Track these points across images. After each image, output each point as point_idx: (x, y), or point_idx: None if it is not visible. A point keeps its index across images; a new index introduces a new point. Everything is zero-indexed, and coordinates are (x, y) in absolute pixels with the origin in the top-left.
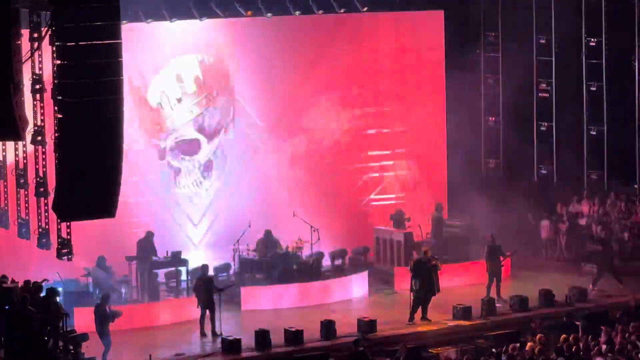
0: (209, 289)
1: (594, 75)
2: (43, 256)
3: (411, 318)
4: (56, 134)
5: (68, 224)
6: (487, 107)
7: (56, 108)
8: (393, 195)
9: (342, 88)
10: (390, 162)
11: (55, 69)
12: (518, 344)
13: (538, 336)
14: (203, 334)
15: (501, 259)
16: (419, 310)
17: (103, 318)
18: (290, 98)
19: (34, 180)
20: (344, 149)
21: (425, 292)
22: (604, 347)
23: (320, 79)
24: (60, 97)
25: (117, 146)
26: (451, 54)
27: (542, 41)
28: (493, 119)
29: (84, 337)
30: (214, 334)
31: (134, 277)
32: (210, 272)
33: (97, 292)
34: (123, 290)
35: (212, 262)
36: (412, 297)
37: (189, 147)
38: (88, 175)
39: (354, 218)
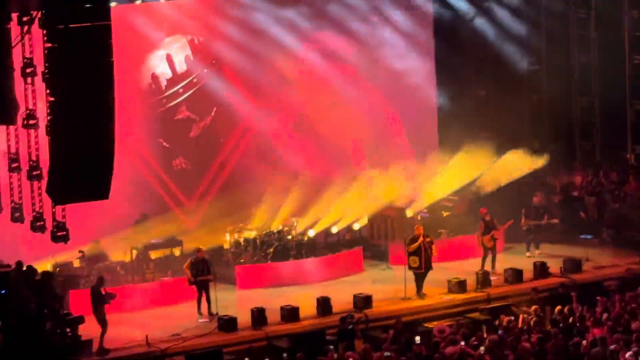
0: (202, 270)
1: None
2: (38, 239)
3: (419, 293)
4: (48, 117)
5: (63, 207)
6: (478, 80)
7: (48, 91)
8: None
9: (335, 63)
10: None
11: (46, 52)
12: (512, 317)
13: (533, 307)
14: (200, 314)
15: (494, 233)
16: (413, 285)
17: (99, 300)
18: (284, 76)
19: (27, 164)
20: (338, 127)
21: (422, 267)
22: (603, 316)
23: (315, 55)
24: (51, 80)
25: (109, 128)
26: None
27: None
28: (485, 92)
29: (80, 319)
30: (210, 313)
31: (129, 259)
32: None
33: (92, 275)
34: (119, 272)
35: (208, 243)
36: (413, 274)
37: (181, 127)
38: (81, 157)
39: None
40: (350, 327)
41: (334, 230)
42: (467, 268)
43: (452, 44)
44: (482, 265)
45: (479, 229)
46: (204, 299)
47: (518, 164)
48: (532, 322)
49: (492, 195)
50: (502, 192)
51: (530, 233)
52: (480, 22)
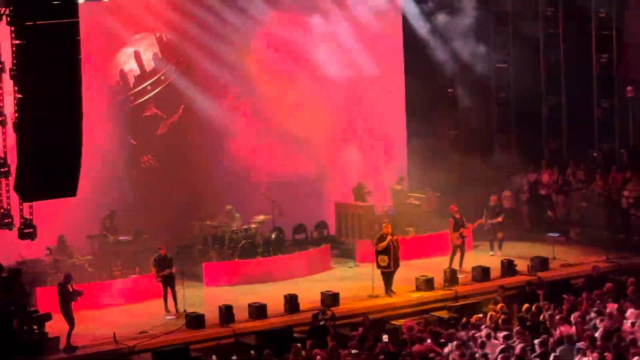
0: (165, 267)
1: (552, 46)
2: (5, 236)
3: (387, 291)
4: (16, 114)
5: (30, 204)
6: (447, 78)
7: (15, 88)
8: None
9: (301, 61)
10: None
11: (13, 48)
12: (481, 315)
13: (499, 305)
14: (167, 311)
15: (463, 230)
16: (381, 282)
17: (66, 297)
18: (251, 73)
19: None
20: (304, 124)
21: (390, 265)
22: (572, 314)
23: (280, 52)
24: (19, 77)
25: (77, 125)
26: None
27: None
28: (452, 89)
29: (47, 316)
30: (177, 310)
31: (96, 256)
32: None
33: (59, 271)
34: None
35: (175, 240)
36: (381, 272)
37: (149, 124)
38: (49, 154)
39: (316, 192)
40: (322, 323)
41: (301, 227)
42: (435, 266)
43: (417, 40)
44: (450, 263)
45: (449, 226)
46: (170, 296)
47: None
48: (500, 321)
49: (461, 192)
50: (470, 189)
51: (491, 232)
52: (446, 20)
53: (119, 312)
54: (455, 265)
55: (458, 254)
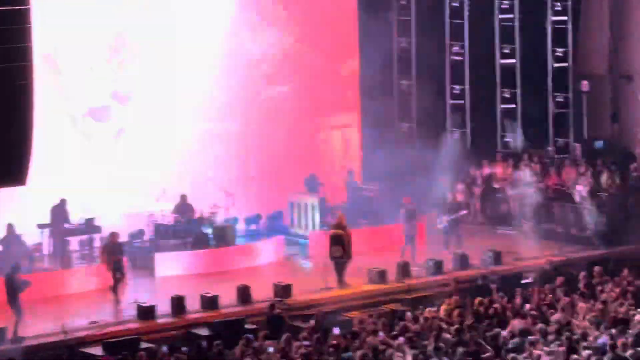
0: (117, 254)
1: (507, 38)
2: None
3: (340, 282)
4: None
5: None
6: (401, 69)
7: None
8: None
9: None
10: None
11: None
12: (435, 308)
13: (453, 298)
14: (117, 301)
15: (415, 223)
16: (333, 274)
17: (13, 288)
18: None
19: None
20: (259, 114)
21: (343, 257)
22: (525, 307)
23: (235, 39)
24: None
25: (28, 114)
26: (363, 16)
27: (455, 4)
28: (407, 82)
29: None
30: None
31: (45, 245)
32: (125, 239)
33: (7, 262)
34: (34, 259)
35: (127, 229)
36: (334, 263)
37: (101, 113)
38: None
39: (268, 183)
40: (279, 312)
41: (255, 218)
42: (388, 258)
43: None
44: (402, 254)
45: (402, 217)
46: (119, 285)
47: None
48: (455, 314)
49: (412, 184)
50: (422, 182)
51: (450, 230)
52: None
53: (69, 302)
54: (408, 258)
55: (410, 246)
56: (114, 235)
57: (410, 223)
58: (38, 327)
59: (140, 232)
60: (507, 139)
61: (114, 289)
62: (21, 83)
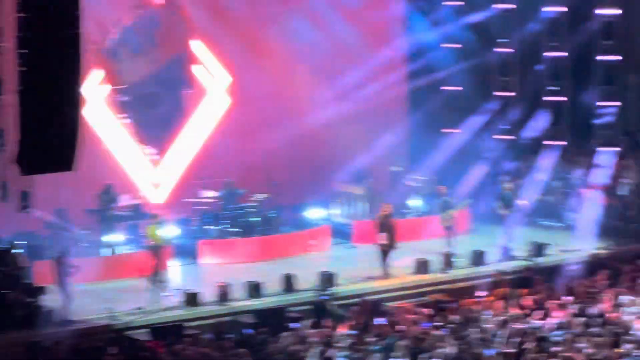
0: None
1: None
2: (2, 209)
3: (385, 272)
4: (18, 88)
5: (29, 177)
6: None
7: (18, 61)
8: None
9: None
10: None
11: (17, 21)
12: (477, 299)
13: (497, 289)
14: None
15: (452, 212)
16: (378, 264)
17: (63, 271)
18: (255, 50)
19: None
20: (306, 101)
21: (388, 246)
22: (568, 299)
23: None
24: (21, 50)
25: (76, 99)
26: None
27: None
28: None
29: (43, 289)
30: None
31: (94, 229)
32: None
33: (56, 245)
34: (83, 242)
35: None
36: (379, 252)
37: (149, 100)
38: (48, 128)
39: (314, 172)
40: (324, 298)
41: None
42: (433, 248)
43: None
44: (445, 245)
45: (438, 207)
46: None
47: None
48: (496, 304)
49: (458, 176)
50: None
51: (506, 221)
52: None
53: (116, 287)
54: (447, 247)
55: (450, 235)
56: (156, 216)
57: (445, 212)
58: (86, 310)
59: (187, 219)
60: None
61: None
62: (71, 69)
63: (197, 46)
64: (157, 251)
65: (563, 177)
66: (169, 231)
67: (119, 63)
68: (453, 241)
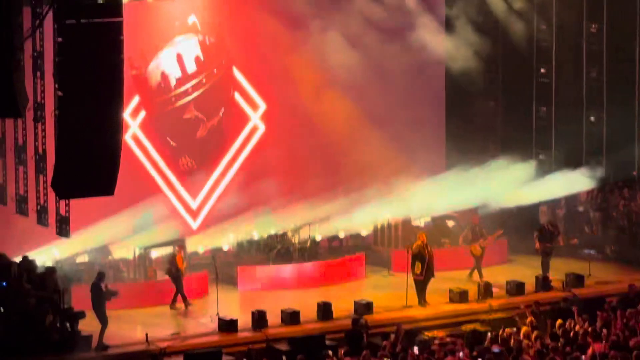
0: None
1: (594, 61)
2: (40, 233)
3: (421, 301)
4: (56, 112)
5: (67, 201)
6: (487, 90)
7: (56, 85)
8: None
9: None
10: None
11: (56, 46)
12: (515, 329)
13: (528, 319)
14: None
15: (482, 241)
16: (414, 293)
17: (99, 296)
18: (292, 78)
19: (34, 157)
20: (342, 133)
21: (425, 276)
22: (606, 331)
23: (323, 59)
24: (61, 75)
25: (116, 124)
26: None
27: (543, 26)
28: (493, 102)
29: (81, 314)
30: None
31: (132, 256)
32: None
33: (94, 270)
34: (119, 269)
35: (208, 242)
36: (414, 281)
37: (188, 126)
38: (87, 153)
39: (352, 200)
40: (361, 328)
41: (341, 235)
42: (469, 278)
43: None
44: (471, 273)
45: (467, 237)
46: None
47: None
48: (533, 336)
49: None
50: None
51: (547, 255)
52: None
53: (152, 313)
54: (475, 276)
55: (477, 265)
56: (179, 247)
57: (476, 242)
58: (122, 336)
59: (223, 246)
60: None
61: (178, 298)
62: (111, 94)
63: (234, 73)
64: (178, 279)
65: (603, 207)
66: (202, 257)
67: (158, 88)
68: (478, 269)
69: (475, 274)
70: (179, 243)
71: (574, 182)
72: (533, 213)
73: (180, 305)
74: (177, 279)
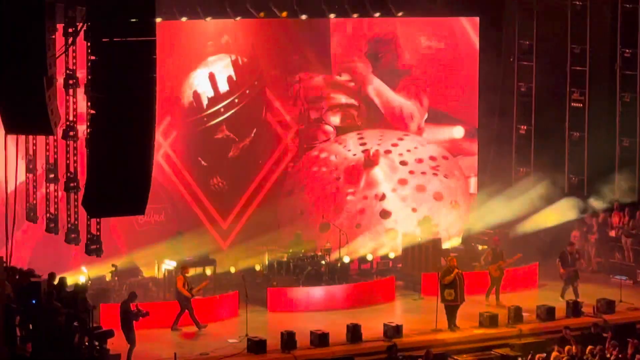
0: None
1: (628, 86)
2: (70, 251)
3: (451, 325)
4: (88, 130)
5: (98, 219)
6: (520, 115)
7: (89, 104)
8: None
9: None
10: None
11: (89, 64)
12: (544, 354)
13: (567, 347)
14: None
15: (501, 263)
16: (444, 316)
17: (128, 315)
18: (321, 98)
19: (64, 175)
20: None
21: (455, 300)
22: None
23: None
24: (93, 93)
25: (148, 143)
26: (485, 60)
27: (577, 51)
28: (525, 127)
29: (110, 333)
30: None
31: (161, 275)
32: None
33: (124, 289)
34: (148, 289)
35: (239, 263)
36: (445, 306)
37: (220, 146)
38: (118, 171)
39: (381, 223)
40: (394, 356)
41: (369, 257)
42: (500, 302)
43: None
44: (487, 295)
45: (487, 258)
46: (187, 315)
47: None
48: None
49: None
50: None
51: (570, 280)
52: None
53: (181, 332)
54: (492, 299)
55: (495, 287)
56: (185, 267)
57: (495, 263)
58: (150, 355)
59: (253, 268)
60: (623, 188)
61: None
62: (143, 113)
63: (266, 93)
64: (184, 302)
65: (634, 233)
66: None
67: (190, 108)
68: (496, 292)
69: (492, 297)
70: (183, 264)
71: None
72: (564, 238)
73: (181, 327)
74: (180, 301)
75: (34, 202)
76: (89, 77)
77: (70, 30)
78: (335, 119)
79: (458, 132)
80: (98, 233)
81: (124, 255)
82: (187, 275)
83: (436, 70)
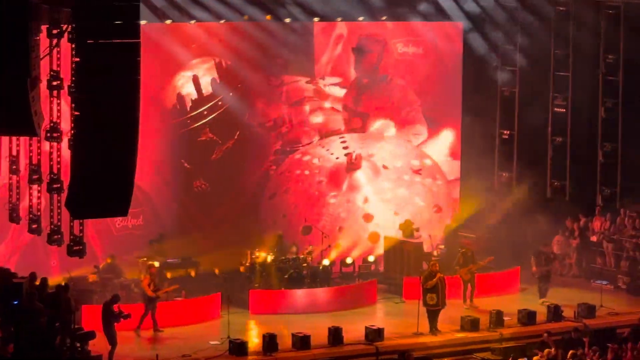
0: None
1: (610, 92)
2: (52, 252)
3: (432, 329)
4: (72, 131)
5: (81, 221)
6: (502, 120)
7: (73, 105)
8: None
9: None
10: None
11: (73, 66)
12: (525, 358)
13: (546, 351)
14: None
15: (472, 266)
16: (426, 320)
17: (110, 317)
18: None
19: (48, 176)
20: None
21: (436, 304)
22: None
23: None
24: (77, 95)
25: (131, 145)
26: (468, 65)
27: (560, 56)
28: (508, 132)
29: (92, 335)
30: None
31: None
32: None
33: (105, 290)
34: (131, 291)
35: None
36: (427, 310)
37: (203, 149)
38: (102, 173)
39: (363, 226)
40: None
41: (349, 260)
42: (481, 306)
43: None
44: (464, 298)
45: (458, 261)
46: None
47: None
48: None
49: (505, 234)
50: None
51: (543, 279)
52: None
53: (163, 334)
54: (471, 302)
55: (469, 289)
56: (152, 266)
57: (466, 266)
58: (132, 357)
59: (235, 270)
60: (605, 193)
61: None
62: (127, 115)
63: (250, 96)
64: (149, 303)
65: (615, 239)
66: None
67: (174, 110)
68: (471, 293)
69: (468, 300)
70: (151, 266)
71: None
72: (548, 243)
73: (163, 328)
74: (145, 301)
75: (17, 203)
76: (73, 78)
77: (54, 31)
78: (319, 122)
79: (441, 136)
80: (81, 234)
81: (106, 257)
82: (153, 273)
83: (418, 76)
